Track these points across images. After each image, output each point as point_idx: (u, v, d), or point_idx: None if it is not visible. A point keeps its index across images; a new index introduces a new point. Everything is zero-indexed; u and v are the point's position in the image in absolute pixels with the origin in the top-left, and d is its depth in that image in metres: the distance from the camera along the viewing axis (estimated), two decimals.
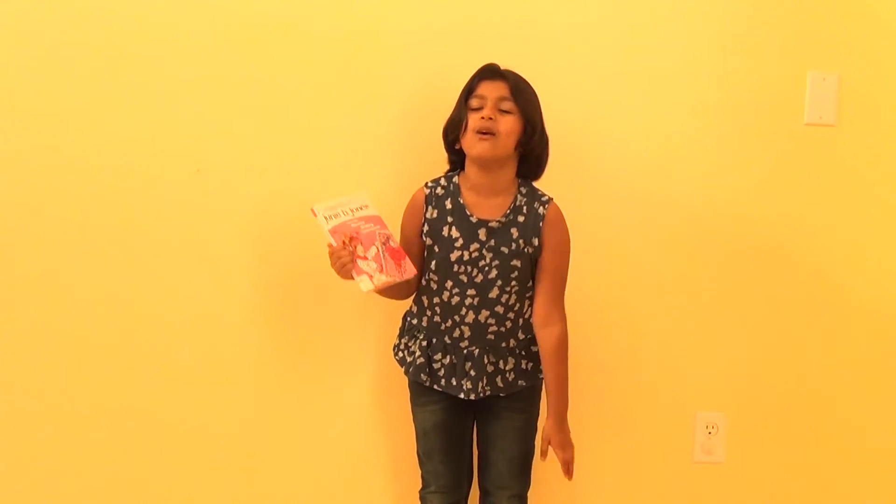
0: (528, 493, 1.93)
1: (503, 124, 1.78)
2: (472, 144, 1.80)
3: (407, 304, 1.96)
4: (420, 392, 1.92)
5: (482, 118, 1.78)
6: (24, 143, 2.03)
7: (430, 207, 1.85)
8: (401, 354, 1.93)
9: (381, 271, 1.79)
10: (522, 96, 1.80)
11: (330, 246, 1.79)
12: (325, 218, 1.81)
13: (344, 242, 1.78)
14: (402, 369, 1.93)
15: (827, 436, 2.24)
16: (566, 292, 1.88)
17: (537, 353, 1.88)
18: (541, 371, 1.87)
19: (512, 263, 1.82)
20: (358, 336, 2.13)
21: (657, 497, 2.22)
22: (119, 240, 2.07)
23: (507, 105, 1.79)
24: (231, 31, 2.05)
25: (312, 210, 1.81)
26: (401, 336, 1.95)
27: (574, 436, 2.07)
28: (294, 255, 2.10)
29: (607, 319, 2.17)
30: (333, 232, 1.80)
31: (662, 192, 2.16)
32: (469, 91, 1.83)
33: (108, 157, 2.04)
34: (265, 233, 2.10)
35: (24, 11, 2.01)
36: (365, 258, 1.79)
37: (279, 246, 2.10)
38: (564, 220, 1.86)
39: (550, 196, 1.86)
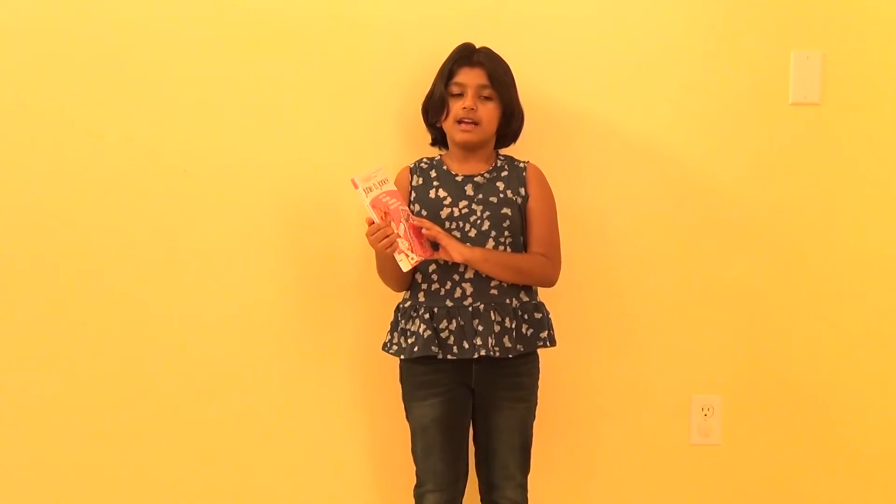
0: (528, 478, 1.92)
1: (484, 113, 1.83)
2: (455, 132, 1.85)
3: (398, 297, 1.95)
4: (417, 386, 1.88)
5: (465, 108, 1.82)
6: (23, 146, 2.05)
7: (415, 176, 1.91)
8: (395, 346, 1.89)
9: (412, 249, 1.77)
10: (501, 82, 1.84)
11: (370, 221, 1.77)
12: (365, 191, 1.75)
13: (381, 218, 1.76)
14: (401, 358, 1.89)
15: (822, 416, 2.24)
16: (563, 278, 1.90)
17: (540, 319, 1.87)
18: (539, 339, 1.86)
19: (503, 212, 1.84)
20: (346, 335, 2.13)
21: (655, 479, 2.22)
22: (109, 241, 2.08)
23: (487, 92, 1.83)
24: (219, 30, 2.05)
25: (353, 181, 1.75)
26: (392, 331, 1.92)
27: (570, 419, 2.07)
28: (283, 255, 2.10)
29: (602, 304, 2.17)
30: (373, 206, 1.75)
31: (650, 176, 2.16)
32: (449, 75, 1.85)
33: (99, 158, 2.06)
34: (252, 233, 2.10)
35: (12, 12, 2.02)
36: (399, 235, 1.76)
37: (268, 246, 2.10)
38: (545, 176, 1.91)
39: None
